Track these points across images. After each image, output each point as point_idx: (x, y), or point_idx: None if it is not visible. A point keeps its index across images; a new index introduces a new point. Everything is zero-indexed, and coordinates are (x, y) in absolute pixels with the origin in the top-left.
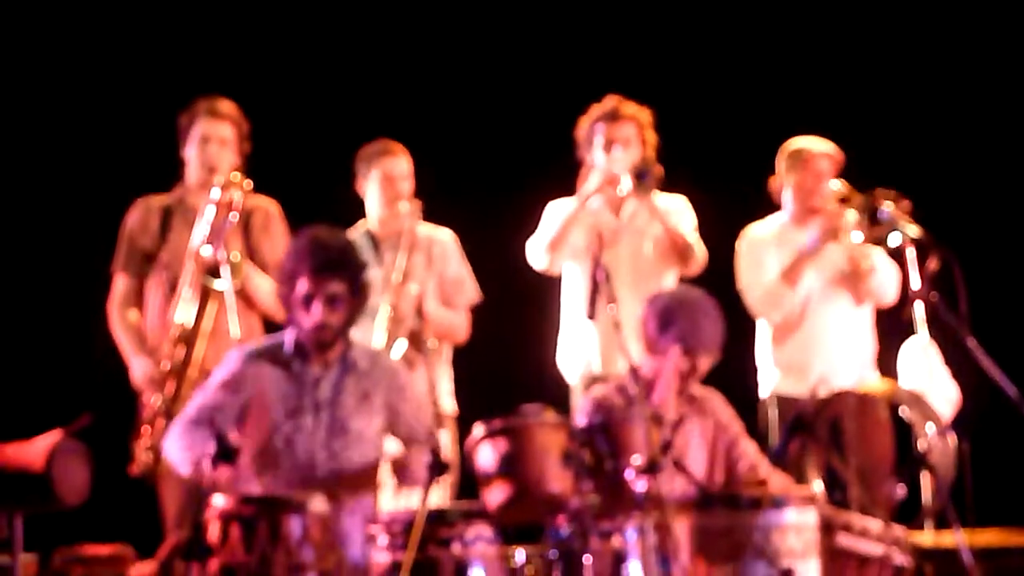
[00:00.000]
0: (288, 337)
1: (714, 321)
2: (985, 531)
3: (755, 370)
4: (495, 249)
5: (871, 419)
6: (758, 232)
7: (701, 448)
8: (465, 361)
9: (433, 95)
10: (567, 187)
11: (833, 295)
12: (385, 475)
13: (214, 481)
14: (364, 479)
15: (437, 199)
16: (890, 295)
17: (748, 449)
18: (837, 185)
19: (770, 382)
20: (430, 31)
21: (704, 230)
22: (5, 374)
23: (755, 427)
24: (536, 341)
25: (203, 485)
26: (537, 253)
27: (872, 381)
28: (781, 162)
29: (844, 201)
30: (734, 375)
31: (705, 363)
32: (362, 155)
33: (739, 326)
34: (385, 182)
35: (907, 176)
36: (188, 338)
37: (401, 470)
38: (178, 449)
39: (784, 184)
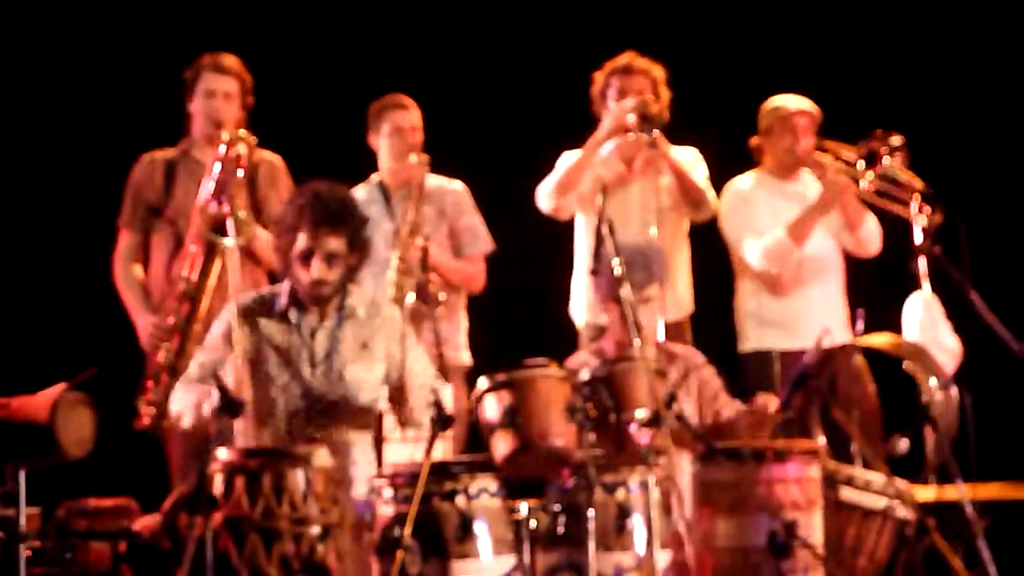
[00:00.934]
0: (284, 288)
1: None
2: (987, 485)
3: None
4: (515, 200)
5: (858, 371)
6: (742, 185)
7: (689, 402)
8: (484, 311)
9: (453, 46)
10: (583, 142)
11: (829, 249)
12: (388, 424)
13: (218, 430)
14: (362, 420)
15: (457, 151)
16: (875, 245)
17: (727, 401)
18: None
19: (759, 337)
20: None
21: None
22: (12, 328)
23: (736, 381)
24: (555, 290)
25: (207, 433)
26: (545, 196)
27: (876, 335)
28: (761, 120)
29: (823, 151)
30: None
31: (643, 293)
32: (373, 108)
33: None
34: (396, 134)
35: (908, 131)
36: (193, 294)
37: (399, 407)
38: (181, 403)
39: (764, 142)
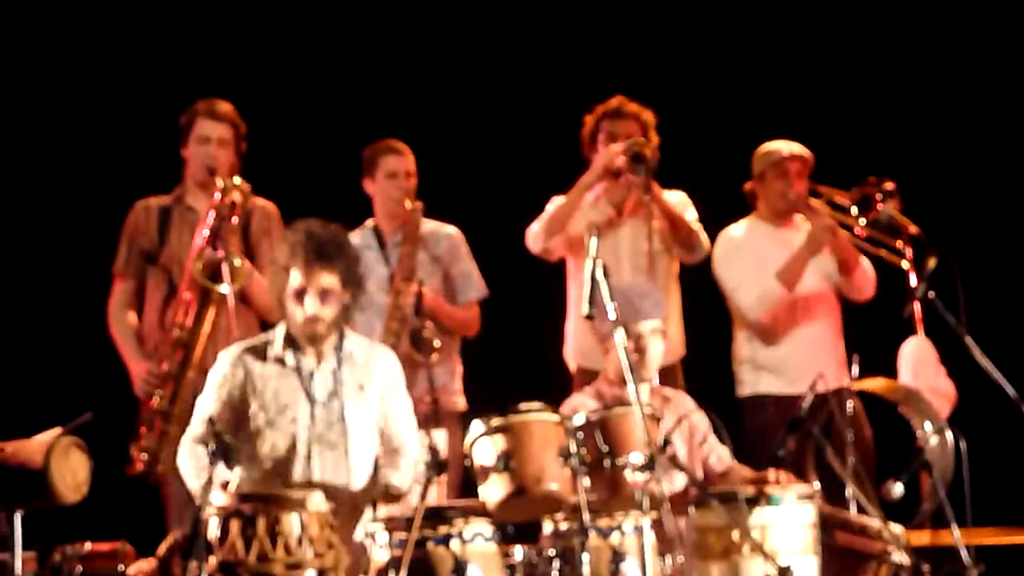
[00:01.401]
0: (279, 332)
1: (638, 292)
2: (983, 530)
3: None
4: (510, 244)
5: (854, 415)
6: (736, 233)
7: (682, 444)
8: (480, 356)
9: (447, 91)
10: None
11: (823, 293)
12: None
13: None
14: (362, 496)
15: (451, 196)
16: (870, 290)
17: (715, 443)
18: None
19: (755, 382)
20: (446, 36)
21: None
22: (7, 373)
23: (736, 426)
24: (550, 334)
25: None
26: (534, 237)
27: (871, 379)
28: (754, 166)
29: (817, 196)
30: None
31: (646, 330)
32: (368, 153)
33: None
34: (390, 179)
35: (902, 176)
36: (187, 341)
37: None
38: (187, 472)
39: (758, 187)
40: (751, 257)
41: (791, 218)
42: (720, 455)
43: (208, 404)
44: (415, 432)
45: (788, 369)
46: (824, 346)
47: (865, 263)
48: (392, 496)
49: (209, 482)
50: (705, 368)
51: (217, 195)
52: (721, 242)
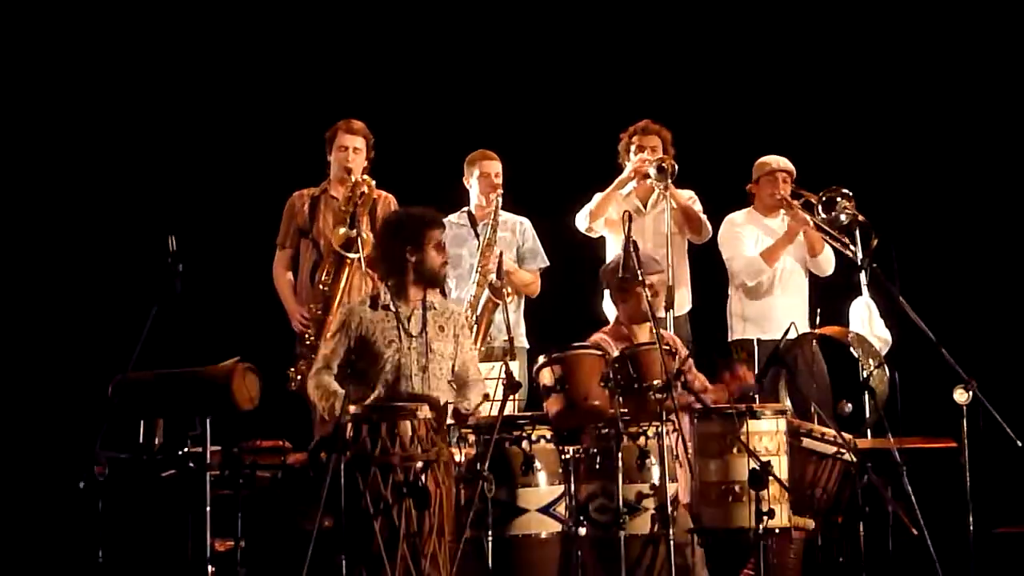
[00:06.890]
0: (383, 289)
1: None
2: (909, 438)
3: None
4: (563, 228)
5: (815, 354)
6: (735, 218)
7: None
8: (539, 308)
9: (525, 121)
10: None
11: (795, 269)
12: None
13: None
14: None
15: (525, 192)
16: (830, 268)
17: (698, 372)
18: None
19: (741, 329)
20: (528, 82)
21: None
22: (203, 320)
23: (726, 362)
24: (590, 293)
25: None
26: (581, 220)
27: (830, 328)
28: (753, 172)
29: (796, 197)
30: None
31: (653, 280)
32: (469, 158)
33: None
34: (483, 179)
35: (859, 181)
36: (329, 294)
37: (458, 416)
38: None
39: (754, 188)
40: (744, 237)
41: (777, 212)
42: (699, 377)
43: (329, 346)
44: (477, 364)
45: (766, 321)
46: (794, 305)
47: (828, 249)
48: (462, 417)
49: (345, 398)
50: (706, 319)
51: (351, 188)
52: (724, 224)
